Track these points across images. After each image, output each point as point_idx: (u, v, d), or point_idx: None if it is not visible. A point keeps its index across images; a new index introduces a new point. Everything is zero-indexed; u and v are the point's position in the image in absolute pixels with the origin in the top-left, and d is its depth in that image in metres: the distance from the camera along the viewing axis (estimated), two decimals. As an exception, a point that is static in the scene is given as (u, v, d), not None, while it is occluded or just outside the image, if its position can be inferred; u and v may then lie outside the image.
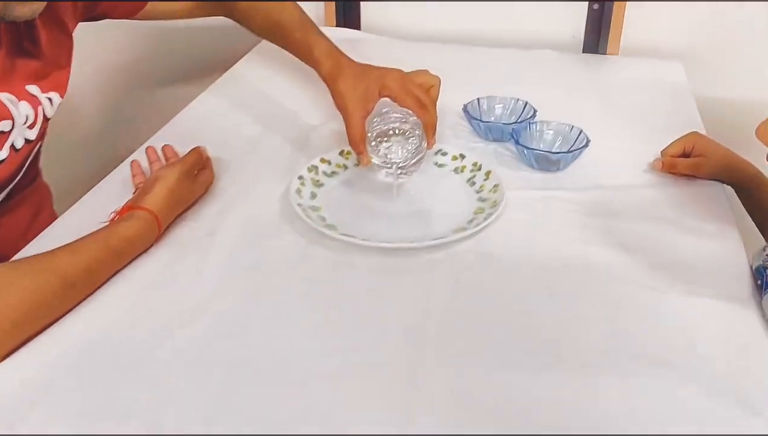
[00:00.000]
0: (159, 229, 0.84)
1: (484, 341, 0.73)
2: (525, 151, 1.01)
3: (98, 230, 0.80)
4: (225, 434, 0.62)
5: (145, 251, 0.84)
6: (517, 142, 1.02)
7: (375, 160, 0.94)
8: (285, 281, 0.81)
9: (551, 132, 1.06)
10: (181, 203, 0.90)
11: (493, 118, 1.13)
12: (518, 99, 1.13)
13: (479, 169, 0.99)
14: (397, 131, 0.95)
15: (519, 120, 1.10)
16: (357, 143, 0.94)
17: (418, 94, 0.93)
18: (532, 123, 1.06)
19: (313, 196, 0.96)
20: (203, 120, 1.18)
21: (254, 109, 1.21)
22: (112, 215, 0.85)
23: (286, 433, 0.63)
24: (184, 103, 1.23)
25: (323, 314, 0.77)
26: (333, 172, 1.01)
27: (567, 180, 1.00)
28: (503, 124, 1.09)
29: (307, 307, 0.78)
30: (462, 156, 1.02)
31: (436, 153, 1.03)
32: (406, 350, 0.72)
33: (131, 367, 0.69)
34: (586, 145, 1.00)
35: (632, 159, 1.04)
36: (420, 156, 0.93)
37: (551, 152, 1.00)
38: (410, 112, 0.94)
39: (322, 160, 1.01)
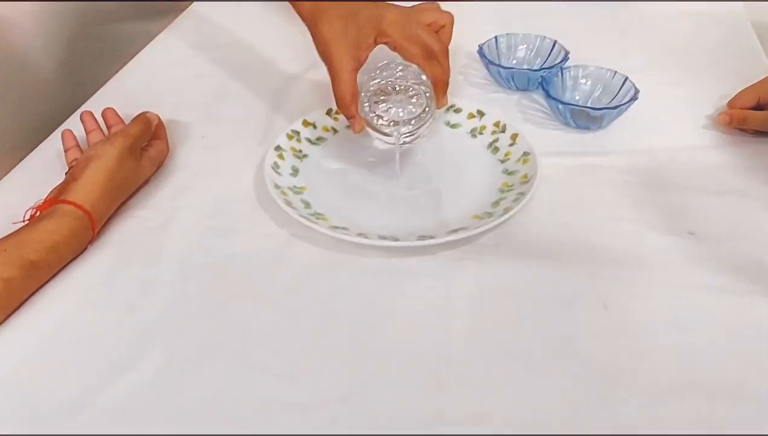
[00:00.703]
0: (93, 229, 0.65)
1: (522, 375, 0.55)
2: (560, 107, 0.80)
3: (8, 236, 0.60)
4: None
5: (75, 257, 0.64)
6: (548, 95, 0.81)
7: (369, 128, 0.74)
8: (261, 291, 0.63)
9: (588, 80, 0.85)
10: (123, 190, 0.70)
11: (514, 62, 0.92)
12: (545, 37, 0.91)
13: (503, 130, 0.79)
14: (397, 88, 0.74)
15: (547, 64, 0.89)
16: (346, 105, 0.73)
17: (426, 40, 0.72)
18: (565, 68, 0.85)
19: (295, 171, 0.75)
20: (156, 72, 0.96)
21: (218, 57, 0.99)
22: (31, 212, 0.65)
23: None
24: (138, 47, 1.01)
25: (311, 336, 0.58)
26: (319, 139, 0.81)
27: (610, 141, 0.80)
28: (530, 70, 0.87)
29: (291, 326, 0.59)
30: (480, 113, 0.81)
31: (448, 109, 0.82)
32: (422, 381, 0.54)
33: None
34: (634, 98, 0.79)
35: (690, 113, 0.84)
36: (428, 120, 0.73)
37: (594, 108, 0.80)
38: (415, 65, 0.73)
39: (305, 124, 0.81)
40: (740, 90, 0.81)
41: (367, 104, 0.74)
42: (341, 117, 0.81)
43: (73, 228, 0.63)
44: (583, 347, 0.57)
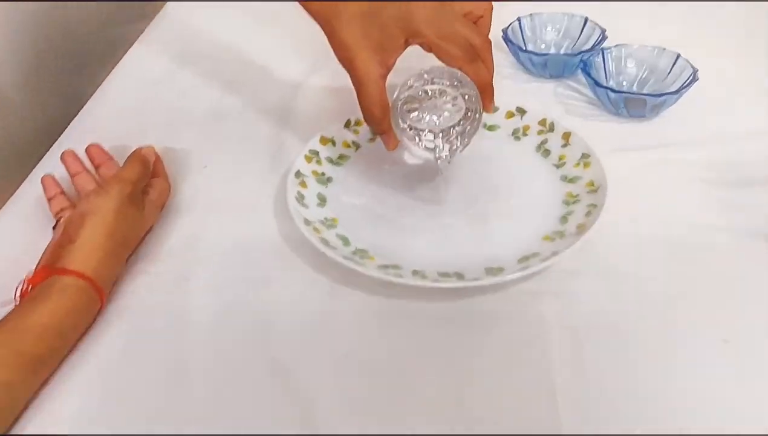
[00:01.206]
0: (101, 299, 0.54)
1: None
2: (610, 95, 0.71)
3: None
4: None
5: (82, 336, 0.53)
6: (596, 83, 0.71)
7: (408, 141, 0.63)
8: (317, 358, 0.53)
9: (633, 61, 0.76)
10: (127, 245, 0.59)
11: (543, 46, 0.82)
12: (573, 15, 0.82)
13: (551, 129, 0.69)
14: (429, 92, 0.63)
15: (581, 46, 0.79)
16: (377, 119, 0.62)
17: (468, 37, 0.61)
18: (606, 50, 0.76)
19: (322, 201, 0.65)
20: (138, 89, 0.84)
21: (208, 66, 0.87)
22: (21, 288, 0.54)
23: None
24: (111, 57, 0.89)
25: (389, 405, 0.49)
26: (341, 157, 0.70)
27: (672, 130, 0.71)
28: (567, 55, 0.78)
29: (362, 395, 0.50)
30: (521, 111, 0.71)
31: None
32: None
33: None
34: (693, 79, 0.70)
35: (752, 89, 0.76)
36: (476, 127, 0.62)
37: (653, 95, 0.70)
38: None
39: (323, 141, 0.70)
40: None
41: (398, 114, 0.63)
42: (362, 128, 0.71)
43: (78, 303, 0.52)
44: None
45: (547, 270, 0.57)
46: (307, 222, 0.60)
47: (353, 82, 0.62)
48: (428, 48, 0.62)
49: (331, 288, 0.57)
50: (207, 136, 0.75)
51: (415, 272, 0.56)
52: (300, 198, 0.63)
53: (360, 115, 0.70)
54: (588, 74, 0.72)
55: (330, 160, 0.69)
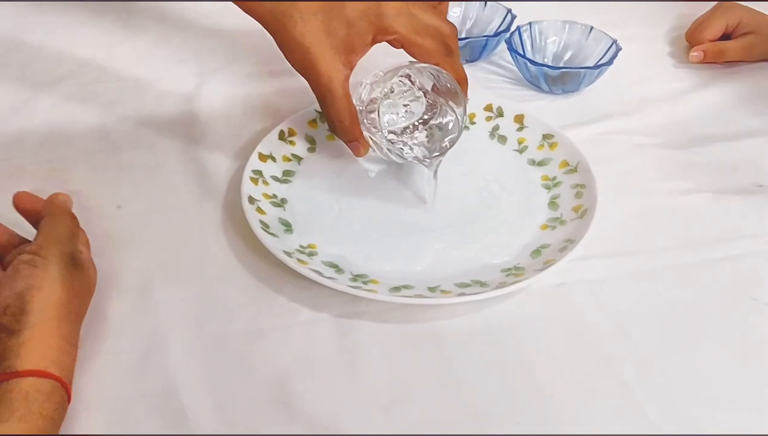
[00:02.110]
0: (68, 396, 0.41)
1: None
2: (546, 72, 0.69)
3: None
4: None
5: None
6: (531, 61, 0.69)
7: (386, 146, 0.56)
8: (344, 409, 0.44)
9: (550, 37, 0.75)
10: (79, 319, 0.46)
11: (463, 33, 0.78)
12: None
13: (500, 114, 0.66)
14: (394, 88, 0.57)
15: (487, 28, 0.77)
16: (346, 128, 0.55)
17: (438, 25, 0.55)
18: (522, 28, 0.74)
19: (287, 227, 0.56)
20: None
21: (71, 87, 0.72)
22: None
23: None
24: None
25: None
26: (286, 174, 0.61)
27: (599, 104, 0.71)
28: (484, 36, 0.74)
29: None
30: (500, 112, 0.67)
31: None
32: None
33: None
34: (617, 48, 0.71)
35: (651, 53, 0.78)
36: (460, 127, 0.56)
37: (590, 67, 0.70)
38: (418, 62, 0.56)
39: (262, 157, 0.60)
40: (697, 21, 0.77)
41: (363, 118, 0.56)
42: (297, 139, 0.63)
43: (47, 411, 0.39)
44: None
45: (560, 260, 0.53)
46: (287, 254, 0.51)
47: (315, 89, 0.54)
48: (399, 44, 0.55)
49: (338, 324, 0.49)
50: (104, 170, 0.62)
51: (431, 290, 0.50)
52: (265, 227, 0.53)
53: (292, 125, 0.62)
54: (518, 53, 0.70)
55: (276, 180, 0.60)
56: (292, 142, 0.63)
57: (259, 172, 0.59)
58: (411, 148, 0.56)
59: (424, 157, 0.56)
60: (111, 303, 0.50)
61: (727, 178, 0.61)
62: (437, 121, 0.57)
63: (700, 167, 0.62)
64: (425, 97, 0.58)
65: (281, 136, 0.62)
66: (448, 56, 0.55)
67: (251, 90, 0.72)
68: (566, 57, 0.74)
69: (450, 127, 0.56)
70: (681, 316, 0.50)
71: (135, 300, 0.50)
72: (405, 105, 0.59)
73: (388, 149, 0.55)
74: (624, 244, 0.55)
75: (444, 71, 0.54)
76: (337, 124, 0.55)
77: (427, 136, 0.57)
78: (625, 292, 0.51)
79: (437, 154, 0.55)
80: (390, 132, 0.57)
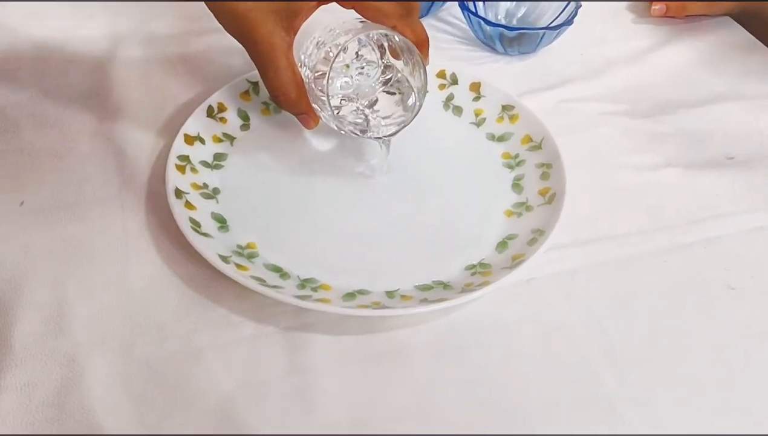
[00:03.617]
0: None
1: None
2: (502, 33, 0.63)
3: None
4: None
5: None
6: (486, 21, 0.63)
7: (331, 120, 0.49)
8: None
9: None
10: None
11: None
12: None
13: (454, 81, 0.60)
14: (330, 52, 0.50)
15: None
16: (292, 100, 0.48)
17: None
18: (471, -16, 0.67)
19: (222, 223, 0.49)
20: None
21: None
22: None
23: None
24: None
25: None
26: (218, 157, 0.54)
27: (556, 67, 0.65)
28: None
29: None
30: (454, 79, 0.60)
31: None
32: None
33: None
34: (577, 5, 0.65)
35: (612, 9, 0.73)
36: (421, 94, 0.50)
37: (550, 28, 0.64)
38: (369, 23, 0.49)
39: (188, 140, 0.53)
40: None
41: (312, 85, 0.49)
42: (229, 115, 0.56)
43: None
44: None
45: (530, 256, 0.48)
46: (224, 259, 0.44)
47: (255, 60, 0.47)
48: (349, 5, 0.48)
49: (284, 337, 0.43)
50: (0, 157, 0.53)
51: (390, 295, 0.45)
52: (196, 226, 0.47)
53: (222, 99, 0.55)
54: (470, 11, 0.64)
55: (206, 165, 0.52)
56: (222, 120, 0.55)
57: (185, 158, 0.51)
58: (365, 120, 0.50)
59: (381, 133, 0.49)
60: (16, 326, 0.43)
61: (696, 150, 0.57)
62: (395, 88, 0.51)
63: (668, 138, 0.58)
64: (381, 58, 0.51)
65: (210, 112, 0.55)
66: (407, 17, 0.48)
67: (173, 53, 0.64)
68: (519, 14, 0.68)
69: (409, 98, 0.50)
70: (658, 310, 0.46)
71: (45, 320, 0.43)
72: (359, 68, 0.52)
73: (338, 123, 0.48)
74: (593, 229, 0.50)
75: (398, 35, 0.47)
76: (282, 98, 0.48)
77: (383, 105, 0.51)
78: (598, 286, 0.47)
79: (395, 128, 0.49)
80: (343, 99, 0.51)
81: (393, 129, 0.49)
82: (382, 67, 0.51)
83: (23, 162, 0.53)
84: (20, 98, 0.58)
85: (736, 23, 0.71)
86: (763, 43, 0.69)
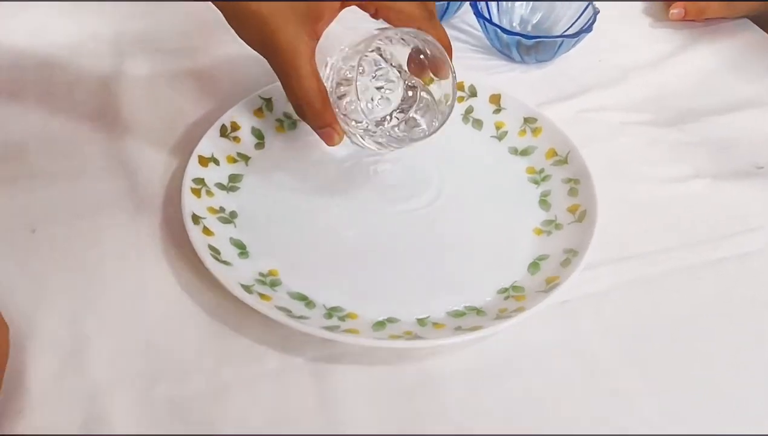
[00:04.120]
0: None
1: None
2: (519, 42, 0.61)
3: None
4: None
5: None
6: (503, 30, 0.61)
7: (360, 136, 0.47)
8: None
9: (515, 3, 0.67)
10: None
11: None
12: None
13: (473, 93, 0.58)
14: (365, 67, 0.49)
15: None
16: (317, 110, 0.45)
17: None
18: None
19: (241, 249, 0.47)
20: None
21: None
22: None
23: None
24: None
25: None
26: (234, 179, 0.52)
27: (574, 75, 0.64)
28: None
29: None
30: (472, 90, 0.58)
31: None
32: None
33: None
34: (595, 11, 0.63)
35: (629, 13, 0.72)
36: (450, 105, 0.47)
37: (568, 36, 0.62)
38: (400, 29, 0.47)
39: (203, 162, 0.51)
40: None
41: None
42: (242, 133, 0.54)
43: None
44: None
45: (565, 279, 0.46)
46: (246, 289, 0.43)
47: (277, 67, 0.45)
48: (372, 8, 0.46)
49: (312, 369, 0.42)
50: (9, 182, 0.51)
51: (421, 322, 0.43)
52: (216, 254, 0.45)
53: (235, 117, 0.53)
54: (486, 19, 0.62)
55: (222, 188, 0.51)
56: (236, 139, 0.53)
57: (200, 181, 0.49)
58: (391, 137, 0.48)
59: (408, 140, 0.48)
60: (32, 365, 0.41)
61: (722, 160, 0.56)
62: (416, 109, 0.49)
63: (693, 148, 0.57)
64: (401, 76, 0.49)
65: (223, 132, 0.53)
66: (430, 20, 0.46)
67: (180, 69, 0.62)
68: (534, 20, 0.67)
69: (435, 110, 0.48)
70: (694, 335, 0.45)
71: (63, 359, 0.41)
72: (378, 88, 0.50)
73: (368, 137, 0.47)
74: (623, 246, 0.49)
75: (426, 36, 0.45)
76: (306, 108, 0.45)
77: (407, 124, 0.49)
78: (631, 308, 0.46)
79: (422, 136, 0.47)
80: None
81: (422, 137, 0.47)
82: (403, 88, 0.49)
83: (33, 187, 0.51)
84: (27, 120, 0.56)
85: (755, 26, 0.69)
86: (782, 45, 0.67)
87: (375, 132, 0.47)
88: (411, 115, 0.49)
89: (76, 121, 0.56)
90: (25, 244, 0.47)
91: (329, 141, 0.48)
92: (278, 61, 0.44)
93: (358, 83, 0.44)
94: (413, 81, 0.49)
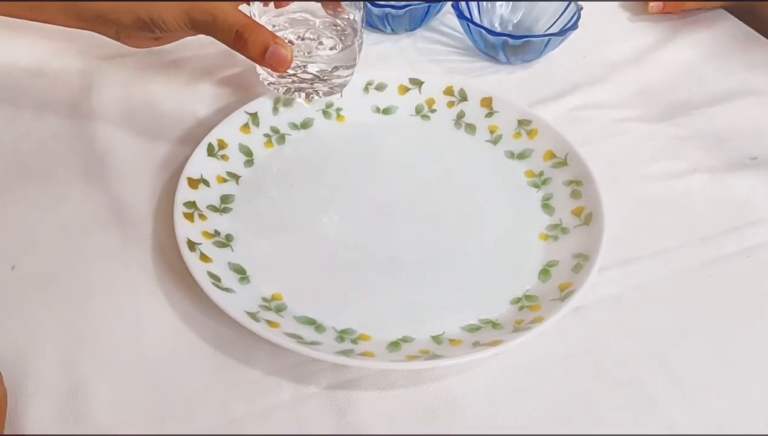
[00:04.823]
0: None
1: None
2: (506, 42, 0.60)
3: None
4: None
5: None
6: (490, 32, 0.60)
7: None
8: None
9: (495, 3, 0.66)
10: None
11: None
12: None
13: (463, 97, 0.57)
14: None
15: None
16: (254, 28, 0.46)
17: None
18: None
19: (241, 274, 0.45)
20: None
21: None
22: None
23: None
24: None
25: None
26: (225, 200, 0.50)
27: (560, 74, 0.63)
28: (417, 4, 0.64)
29: None
30: (416, 82, 0.57)
31: (367, 88, 0.57)
32: None
33: None
34: (578, 9, 0.63)
35: (607, 8, 0.71)
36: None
37: (554, 35, 0.61)
38: None
39: (192, 184, 0.48)
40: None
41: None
42: (230, 151, 0.52)
43: None
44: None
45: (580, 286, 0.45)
46: (253, 316, 0.41)
47: (201, 18, 0.45)
48: None
49: (328, 398, 0.40)
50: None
51: (436, 340, 0.41)
52: (216, 281, 0.42)
53: (221, 135, 0.51)
54: (469, 20, 0.61)
55: (214, 210, 0.48)
56: (224, 157, 0.51)
57: (192, 205, 0.47)
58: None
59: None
60: (28, 413, 0.38)
61: (717, 153, 0.55)
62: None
63: (688, 142, 0.56)
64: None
65: (210, 151, 0.51)
66: None
67: (155, 85, 0.59)
68: (515, 20, 0.66)
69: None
70: (713, 332, 0.44)
71: (62, 404, 0.39)
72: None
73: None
74: (631, 247, 0.48)
75: None
76: (245, 33, 0.45)
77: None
78: (647, 309, 0.45)
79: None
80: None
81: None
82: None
83: (9, 221, 0.48)
84: (-3, 149, 0.53)
85: (730, 15, 0.69)
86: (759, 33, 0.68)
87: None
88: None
89: (48, 146, 0.53)
90: (5, 282, 0.44)
91: (281, 60, 0.46)
92: (202, 10, 0.45)
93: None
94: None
